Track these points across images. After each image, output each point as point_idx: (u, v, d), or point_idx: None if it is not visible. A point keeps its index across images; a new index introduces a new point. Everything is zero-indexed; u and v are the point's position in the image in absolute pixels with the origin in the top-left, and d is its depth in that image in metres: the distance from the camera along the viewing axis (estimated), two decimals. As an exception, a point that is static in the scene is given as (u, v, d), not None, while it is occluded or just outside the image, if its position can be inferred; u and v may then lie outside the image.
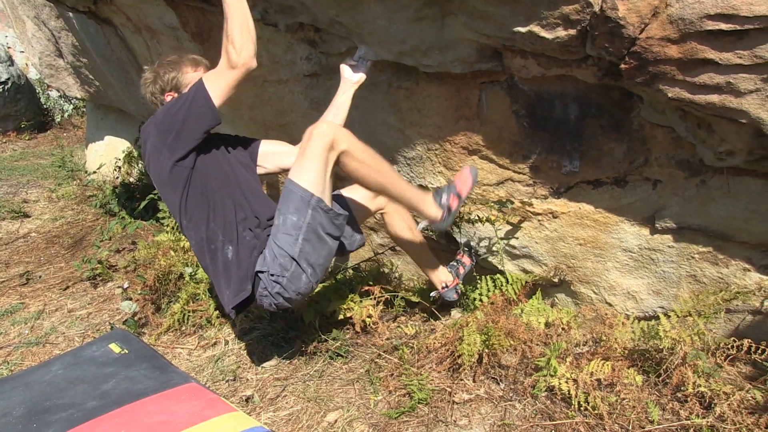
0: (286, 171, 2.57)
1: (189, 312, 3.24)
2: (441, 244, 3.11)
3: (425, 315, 3.19)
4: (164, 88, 2.58)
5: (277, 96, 3.23)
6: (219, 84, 2.36)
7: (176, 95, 2.55)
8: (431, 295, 3.10)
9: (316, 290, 3.16)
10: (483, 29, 2.22)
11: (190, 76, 2.59)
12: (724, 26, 1.77)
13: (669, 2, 1.84)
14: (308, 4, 2.47)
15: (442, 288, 3.00)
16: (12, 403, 2.36)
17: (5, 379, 2.66)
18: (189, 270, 3.34)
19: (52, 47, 6.17)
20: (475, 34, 2.26)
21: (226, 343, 3.07)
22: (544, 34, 2.09)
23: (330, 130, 2.30)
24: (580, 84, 2.34)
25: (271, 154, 2.80)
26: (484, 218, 2.85)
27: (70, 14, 4.97)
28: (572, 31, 2.05)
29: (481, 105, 2.58)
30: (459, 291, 3.04)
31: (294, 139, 3.21)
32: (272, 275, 2.39)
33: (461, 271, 3.02)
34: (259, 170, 2.77)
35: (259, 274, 2.43)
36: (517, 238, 2.88)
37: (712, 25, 1.79)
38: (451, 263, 3.05)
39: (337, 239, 2.49)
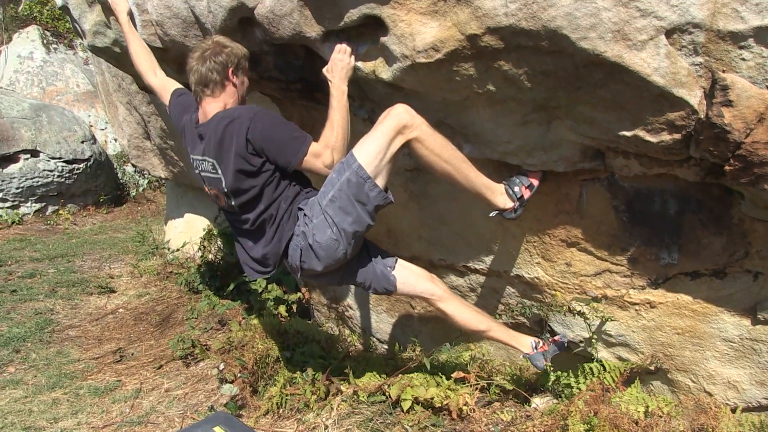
0: None
1: (287, 395, 3.32)
2: (534, 331, 3.15)
3: (518, 401, 3.21)
4: (226, 64, 2.59)
5: (376, 188, 3.38)
6: (310, 159, 2.48)
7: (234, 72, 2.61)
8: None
9: (410, 375, 3.23)
10: (588, 132, 2.33)
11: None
12: (832, 132, 1.85)
13: (775, 109, 1.92)
14: (417, 107, 2.61)
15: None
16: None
17: (120, 460, 2.77)
18: (287, 354, 3.45)
19: (141, 130, 6.56)
20: (580, 136, 2.37)
21: (326, 427, 3.12)
22: (648, 138, 2.19)
23: (406, 115, 2.40)
24: (680, 181, 2.41)
25: None
26: (578, 311, 2.89)
27: (164, 103, 5.30)
28: (677, 136, 2.14)
29: (581, 200, 2.66)
30: (546, 359, 2.94)
31: (392, 228, 3.35)
32: (305, 215, 2.53)
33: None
34: None
35: (299, 212, 2.57)
36: (614, 326, 2.91)
37: (820, 132, 1.87)
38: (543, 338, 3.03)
39: (370, 216, 2.50)
